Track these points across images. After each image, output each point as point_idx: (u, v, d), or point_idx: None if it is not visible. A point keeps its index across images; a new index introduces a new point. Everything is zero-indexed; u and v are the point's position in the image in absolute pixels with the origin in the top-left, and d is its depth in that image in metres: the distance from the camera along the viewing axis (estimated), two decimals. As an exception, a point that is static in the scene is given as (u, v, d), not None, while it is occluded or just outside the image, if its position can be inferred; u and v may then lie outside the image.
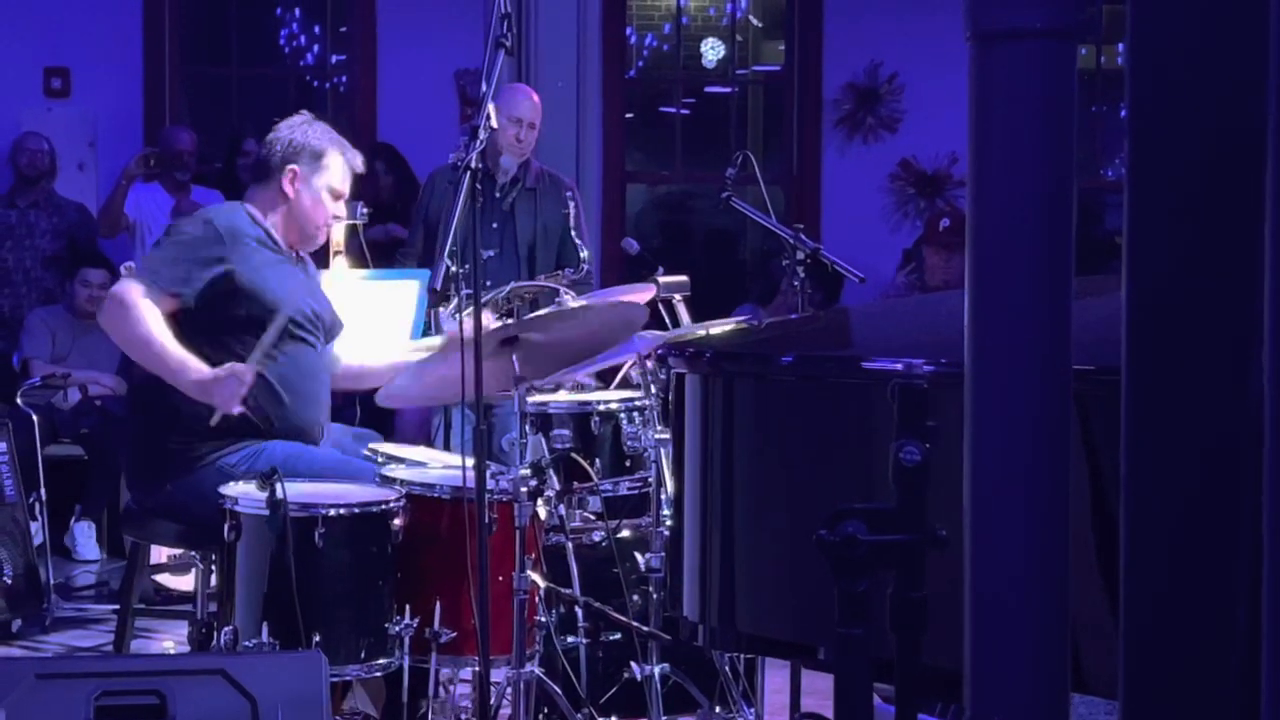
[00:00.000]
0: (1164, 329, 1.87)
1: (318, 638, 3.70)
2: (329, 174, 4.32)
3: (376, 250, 7.08)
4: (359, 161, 4.41)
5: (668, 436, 3.83)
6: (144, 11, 8.49)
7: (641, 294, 4.55)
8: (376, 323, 4.81)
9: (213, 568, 4.14)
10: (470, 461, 3.58)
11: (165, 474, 4.14)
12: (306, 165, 4.29)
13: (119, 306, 4.08)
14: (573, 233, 5.31)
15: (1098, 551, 2.37)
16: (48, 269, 7.87)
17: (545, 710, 4.02)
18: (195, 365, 4.04)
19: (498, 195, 6.10)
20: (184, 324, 4.10)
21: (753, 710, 4.20)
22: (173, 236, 4.22)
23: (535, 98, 6.32)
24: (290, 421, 4.20)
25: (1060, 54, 1.85)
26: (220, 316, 4.13)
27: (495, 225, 6.03)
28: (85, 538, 7.14)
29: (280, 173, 4.28)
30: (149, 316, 4.07)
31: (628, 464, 4.33)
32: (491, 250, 5.67)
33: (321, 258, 5.84)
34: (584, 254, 5.15)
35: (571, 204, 5.33)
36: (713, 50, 9.42)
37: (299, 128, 4.34)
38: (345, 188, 4.37)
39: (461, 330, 3.65)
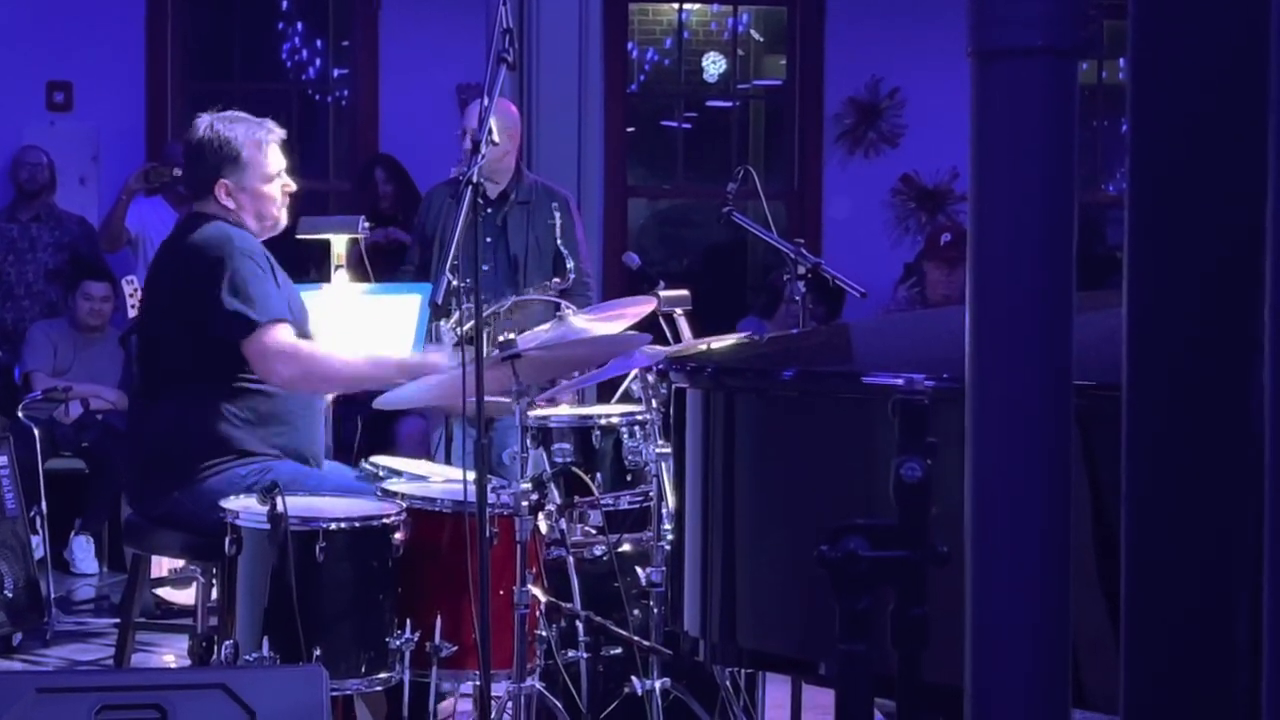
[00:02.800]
0: (1165, 344, 1.87)
1: (318, 652, 3.69)
2: (256, 166, 4.28)
3: (379, 254, 7.10)
4: (274, 131, 4.32)
5: (669, 450, 3.83)
6: (147, 25, 8.50)
7: (642, 308, 4.55)
8: (377, 337, 4.81)
9: (213, 581, 4.14)
10: (471, 475, 3.58)
11: (172, 483, 4.14)
12: (232, 174, 4.26)
13: (294, 361, 4.08)
14: (559, 242, 5.30)
15: (1099, 567, 2.37)
16: (50, 282, 7.88)
17: (546, 725, 4.02)
18: (395, 362, 4.25)
19: (489, 210, 6.08)
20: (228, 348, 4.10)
21: (753, 725, 4.20)
22: (249, 272, 4.11)
23: (507, 111, 6.23)
24: (294, 445, 4.21)
25: (1062, 71, 1.86)
26: None
27: (489, 240, 6.02)
28: (84, 551, 7.14)
29: (213, 191, 4.26)
30: (320, 351, 4.16)
31: (629, 478, 4.33)
32: (486, 265, 5.67)
33: (323, 271, 5.86)
34: (569, 265, 5.14)
35: (558, 215, 5.31)
36: (714, 65, 9.43)
37: (207, 138, 4.27)
38: (277, 164, 4.32)
39: (463, 348, 3.65)
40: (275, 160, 4.33)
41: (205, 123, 4.30)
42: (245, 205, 4.28)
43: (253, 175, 4.28)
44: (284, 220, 4.41)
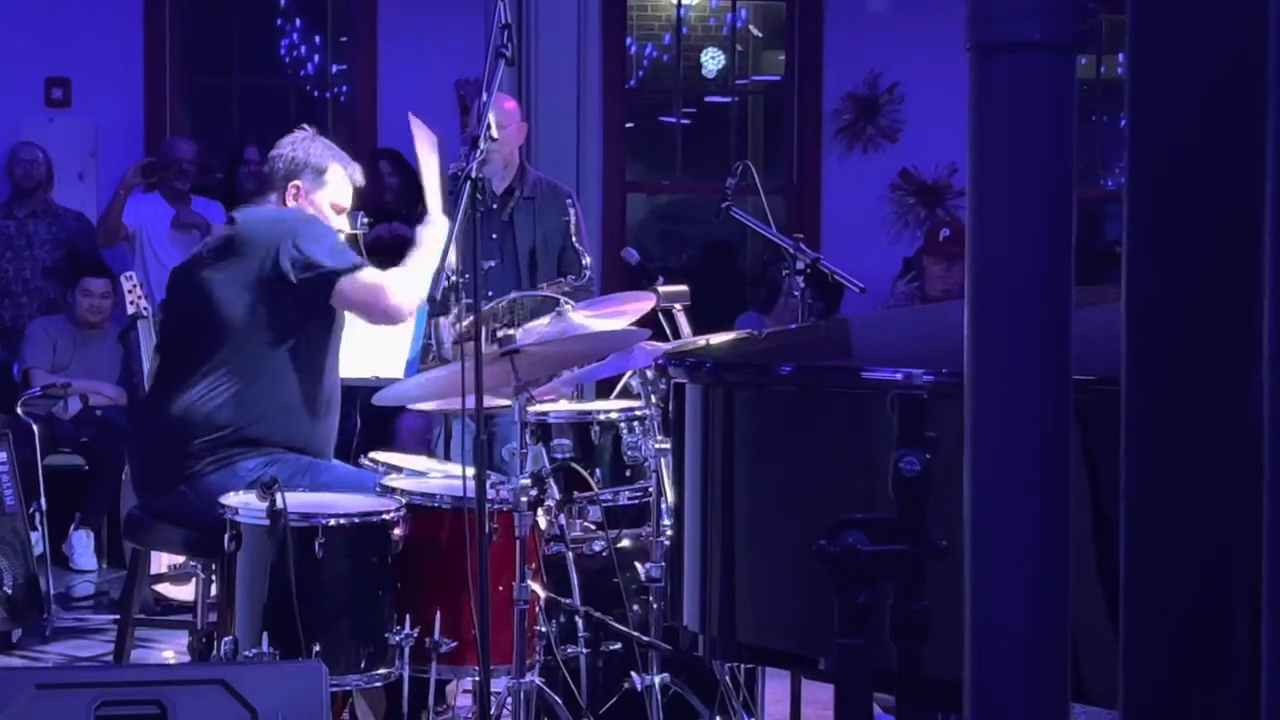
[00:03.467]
0: (1164, 339, 1.87)
1: (318, 647, 3.70)
2: (331, 189, 4.38)
3: (383, 249, 7.09)
4: (359, 175, 4.46)
5: (668, 446, 3.83)
6: (145, 21, 8.49)
7: (641, 304, 4.55)
8: (376, 332, 4.81)
9: (213, 577, 4.14)
10: (470, 471, 3.58)
11: (180, 476, 4.14)
12: (309, 181, 4.34)
13: (380, 294, 4.19)
14: (574, 239, 5.32)
15: (1098, 561, 2.37)
16: (48, 279, 7.85)
17: (545, 720, 4.02)
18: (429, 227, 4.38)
19: (494, 206, 6.07)
20: (299, 300, 4.16)
21: (753, 720, 4.20)
22: (319, 229, 4.24)
23: (507, 104, 6.23)
24: (313, 437, 4.22)
25: (1060, 65, 1.86)
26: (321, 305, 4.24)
27: (494, 235, 6.02)
28: (83, 547, 7.13)
29: (283, 188, 4.31)
30: (390, 278, 4.23)
31: (628, 473, 4.33)
32: (492, 260, 5.66)
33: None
34: (586, 260, 5.16)
35: (572, 211, 5.33)
36: (713, 60, 9.42)
37: (301, 144, 4.38)
38: (346, 202, 4.41)
39: (461, 344, 3.66)
40: (347, 196, 4.44)
41: (306, 134, 4.44)
42: None
43: (326, 194, 4.38)
44: None
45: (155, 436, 4.28)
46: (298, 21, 9.15)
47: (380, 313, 4.24)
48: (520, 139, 6.29)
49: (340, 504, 3.89)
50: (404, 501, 3.92)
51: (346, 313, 4.35)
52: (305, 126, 4.47)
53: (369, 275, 4.19)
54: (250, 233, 4.21)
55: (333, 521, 3.78)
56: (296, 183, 4.33)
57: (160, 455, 4.22)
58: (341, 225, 4.42)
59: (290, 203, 4.32)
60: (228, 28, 9.02)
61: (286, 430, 4.17)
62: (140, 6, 8.48)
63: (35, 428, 6.45)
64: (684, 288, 4.64)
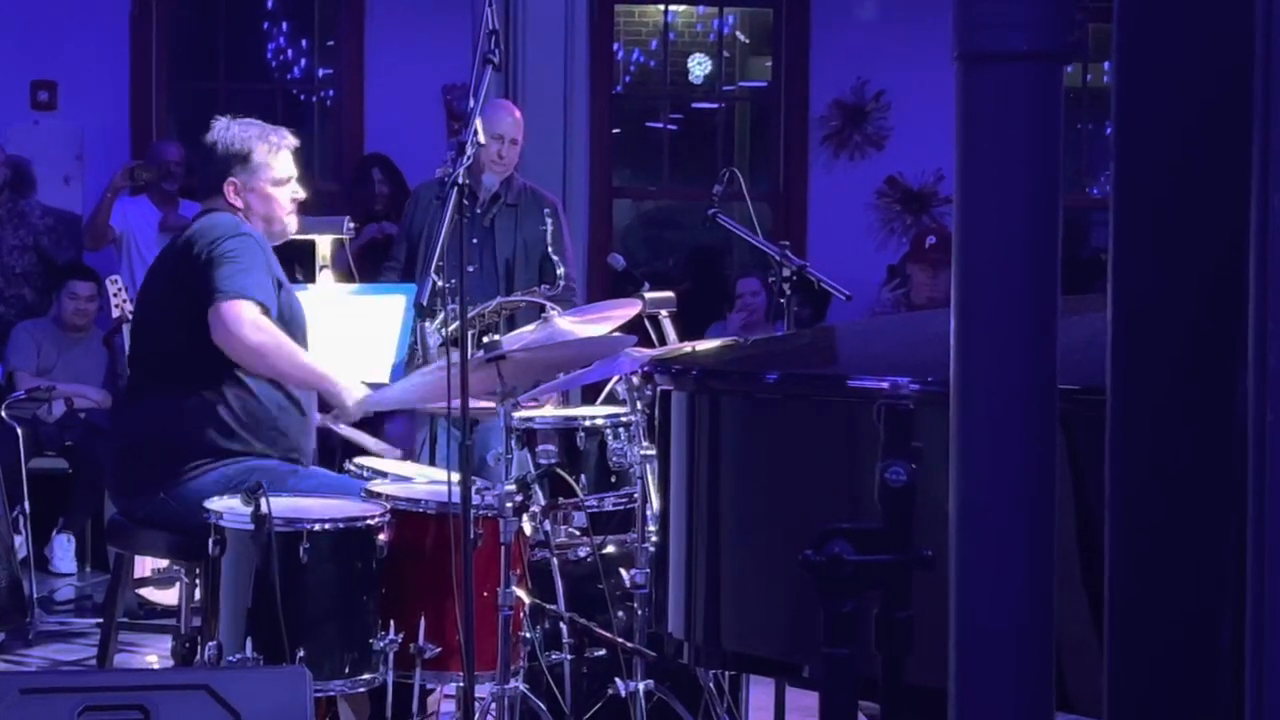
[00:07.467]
0: (1149, 348, 1.88)
1: (302, 653, 3.69)
2: (265, 169, 4.30)
3: (375, 251, 7.10)
4: (287, 138, 4.36)
5: (653, 452, 3.83)
6: (131, 25, 8.48)
7: (627, 310, 4.55)
8: (362, 337, 4.81)
9: (197, 582, 4.13)
10: (455, 477, 3.58)
11: (158, 482, 4.12)
12: (241, 172, 4.28)
13: (255, 331, 4.03)
14: (550, 249, 5.30)
15: (1083, 570, 2.37)
16: (19, 285, 7.73)
17: (529, 726, 4.01)
18: (332, 376, 4.18)
19: (478, 211, 6.07)
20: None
21: (737, 727, 4.20)
22: (236, 251, 4.09)
23: (517, 114, 6.29)
24: (293, 442, 4.21)
25: (1047, 75, 1.86)
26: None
27: (475, 241, 6.01)
28: (63, 551, 7.11)
29: (222, 188, 4.28)
30: (281, 335, 4.10)
31: (613, 479, 4.32)
32: (471, 266, 5.66)
33: (309, 272, 5.85)
34: (560, 271, 5.15)
35: (550, 221, 5.31)
36: (700, 66, 9.43)
37: (220, 137, 4.32)
38: (288, 171, 4.35)
39: (448, 347, 3.65)
40: (285, 166, 4.34)
41: (221, 124, 4.35)
42: (254, 206, 4.29)
43: (262, 177, 4.30)
44: (292, 227, 4.40)
45: (129, 446, 4.27)
46: (284, 25, 9.14)
47: (230, 345, 4.04)
48: (521, 145, 6.33)
49: (325, 509, 3.89)
50: (389, 507, 3.91)
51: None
52: (218, 118, 4.38)
53: (246, 310, 4.02)
54: (190, 238, 4.18)
55: (317, 526, 3.77)
56: (232, 180, 4.27)
57: (136, 464, 4.21)
58: (298, 194, 4.36)
59: (235, 201, 4.26)
60: (214, 31, 9.01)
61: (260, 435, 4.15)
62: (127, 10, 8.47)
63: (19, 431, 6.43)
64: (670, 294, 4.64)
